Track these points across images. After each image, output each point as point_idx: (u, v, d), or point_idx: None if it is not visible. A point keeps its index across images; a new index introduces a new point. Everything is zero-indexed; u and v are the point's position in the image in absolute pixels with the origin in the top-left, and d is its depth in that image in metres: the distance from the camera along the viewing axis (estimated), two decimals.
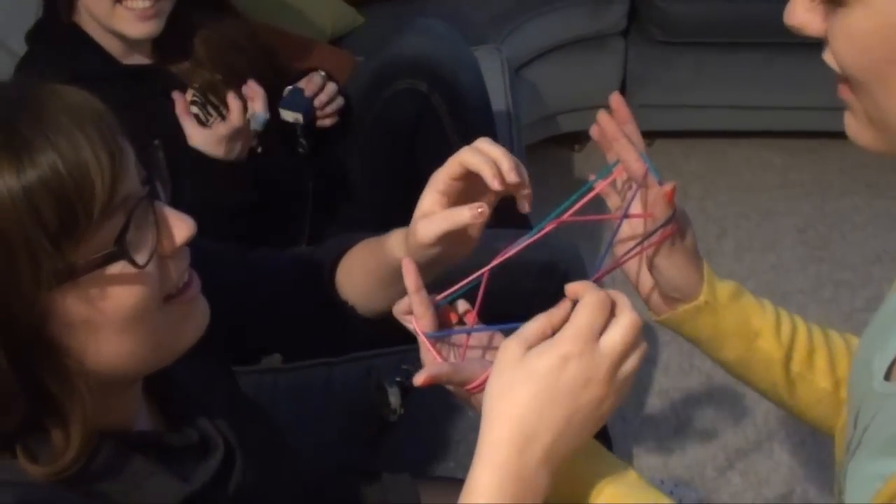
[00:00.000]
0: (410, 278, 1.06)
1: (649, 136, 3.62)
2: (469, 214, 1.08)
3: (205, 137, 1.86)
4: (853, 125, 0.89)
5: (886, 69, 0.81)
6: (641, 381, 2.68)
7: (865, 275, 3.05)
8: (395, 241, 1.20)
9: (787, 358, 1.18)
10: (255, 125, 1.90)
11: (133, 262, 0.89)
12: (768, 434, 2.54)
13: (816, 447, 2.48)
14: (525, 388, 0.89)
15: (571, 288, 0.95)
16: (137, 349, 0.93)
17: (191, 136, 1.87)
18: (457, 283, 1.09)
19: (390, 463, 1.57)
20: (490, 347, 1.08)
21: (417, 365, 1.69)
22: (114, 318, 0.90)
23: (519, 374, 0.90)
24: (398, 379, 1.67)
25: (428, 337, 1.04)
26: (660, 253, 1.14)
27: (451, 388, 1.04)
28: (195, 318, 0.99)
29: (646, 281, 1.19)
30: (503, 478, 0.89)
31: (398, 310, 1.10)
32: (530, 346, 0.92)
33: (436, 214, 1.10)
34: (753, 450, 2.50)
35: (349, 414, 1.70)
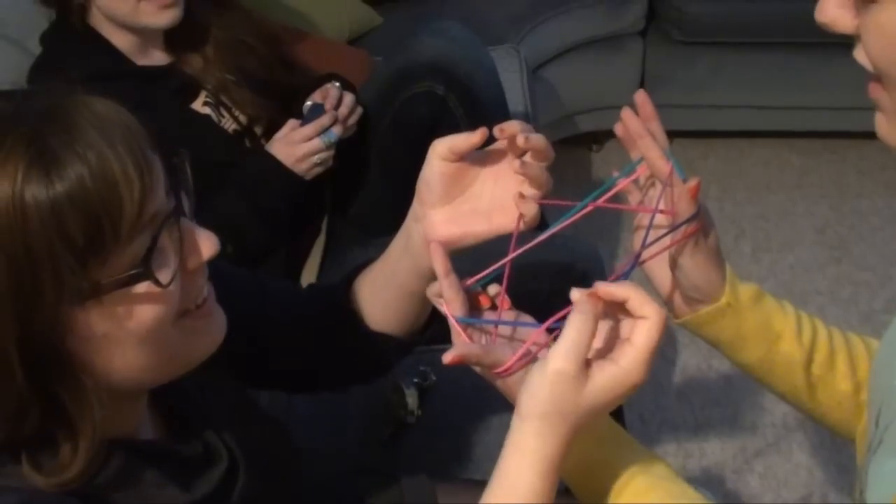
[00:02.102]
0: (439, 262, 1.05)
1: (668, 135, 3.60)
2: (479, 136, 1.06)
3: (284, 152, 1.91)
4: (884, 125, 0.87)
5: None
6: (660, 382, 2.67)
7: (884, 275, 3.04)
8: (395, 253, 1.20)
9: (809, 360, 1.17)
10: (326, 139, 1.93)
11: (157, 283, 0.88)
12: (787, 436, 2.53)
13: (835, 450, 2.47)
14: (579, 400, 0.90)
15: (617, 292, 0.92)
16: (152, 362, 0.92)
17: (273, 143, 1.93)
18: (483, 270, 1.08)
19: (407, 464, 1.57)
20: (518, 324, 1.07)
21: (435, 366, 1.70)
22: (132, 333, 0.89)
23: (577, 398, 0.90)
24: (416, 380, 1.67)
25: (458, 321, 1.04)
26: (683, 252, 1.13)
27: (478, 370, 1.03)
28: (212, 331, 0.98)
29: (667, 282, 1.19)
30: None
31: (431, 292, 1.09)
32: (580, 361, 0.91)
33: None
34: (772, 452, 2.49)
35: (366, 416, 1.70)
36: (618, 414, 1.97)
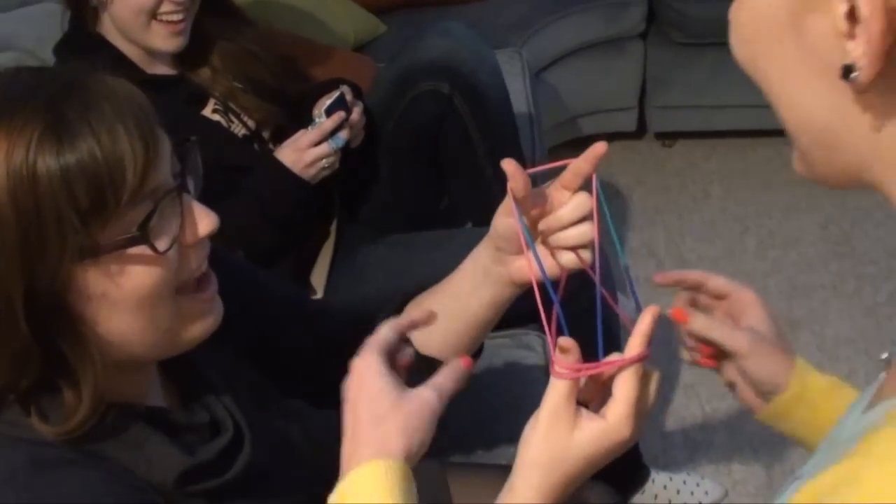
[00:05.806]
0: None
1: (671, 136, 3.65)
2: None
3: (292, 158, 1.95)
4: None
5: (762, 63, 0.70)
6: (667, 376, 2.70)
7: (887, 269, 3.07)
8: (466, 288, 1.20)
9: None
10: (333, 144, 1.96)
11: (153, 248, 0.94)
12: None
13: None
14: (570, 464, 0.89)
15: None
16: (146, 331, 0.98)
17: (282, 149, 1.97)
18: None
19: None
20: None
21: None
22: (129, 296, 0.95)
23: (568, 444, 0.89)
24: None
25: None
26: (731, 358, 1.12)
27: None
28: (208, 317, 1.04)
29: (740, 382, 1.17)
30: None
31: (501, 212, 1.10)
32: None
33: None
34: (779, 442, 2.51)
35: None
36: None
